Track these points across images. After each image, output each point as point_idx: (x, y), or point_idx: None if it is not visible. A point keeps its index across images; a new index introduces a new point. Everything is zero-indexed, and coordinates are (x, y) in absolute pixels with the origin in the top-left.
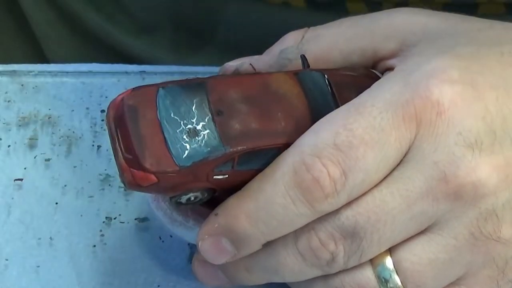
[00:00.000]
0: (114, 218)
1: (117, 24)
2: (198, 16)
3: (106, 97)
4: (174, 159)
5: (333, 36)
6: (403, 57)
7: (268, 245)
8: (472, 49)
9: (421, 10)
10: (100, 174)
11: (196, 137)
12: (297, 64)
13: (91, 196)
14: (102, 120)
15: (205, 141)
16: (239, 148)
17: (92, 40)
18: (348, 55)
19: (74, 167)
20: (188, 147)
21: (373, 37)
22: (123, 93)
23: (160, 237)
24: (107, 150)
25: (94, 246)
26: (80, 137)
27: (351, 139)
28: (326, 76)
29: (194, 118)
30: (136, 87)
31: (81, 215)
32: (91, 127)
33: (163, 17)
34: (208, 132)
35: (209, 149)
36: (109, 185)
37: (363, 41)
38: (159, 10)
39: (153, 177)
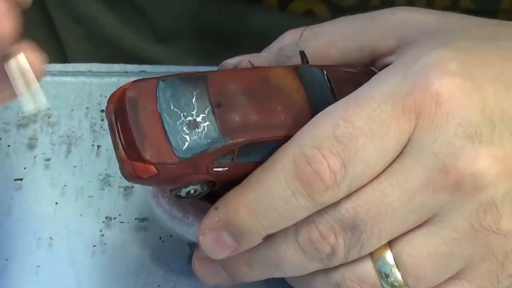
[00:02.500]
0: (114, 218)
1: (137, 31)
2: (223, 24)
3: (106, 97)
4: (174, 151)
5: (332, 33)
6: (401, 53)
7: (268, 239)
8: (470, 43)
9: (419, 9)
10: (100, 174)
11: (196, 129)
12: (296, 62)
13: (91, 196)
14: (102, 120)
15: (205, 133)
16: (239, 140)
17: (110, 46)
18: (347, 53)
19: (74, 167)
20: (188, 138)
21: (372, 34)
22: (123, 86)
23: (160, 237)
24: (107, 150)
25: (94, 246)
26: (80, 137)
27: (351, 131)
28: (325, 72)
29: (194, 110)
30: (137, 80)
31: (81, 215)
32: (91, 127)
33: (187, 25)
34: (208, 124)
35: (209, 141)
36: (109, 185)
37: (362, 39)
38: (183, 18)
39: (153, 169)
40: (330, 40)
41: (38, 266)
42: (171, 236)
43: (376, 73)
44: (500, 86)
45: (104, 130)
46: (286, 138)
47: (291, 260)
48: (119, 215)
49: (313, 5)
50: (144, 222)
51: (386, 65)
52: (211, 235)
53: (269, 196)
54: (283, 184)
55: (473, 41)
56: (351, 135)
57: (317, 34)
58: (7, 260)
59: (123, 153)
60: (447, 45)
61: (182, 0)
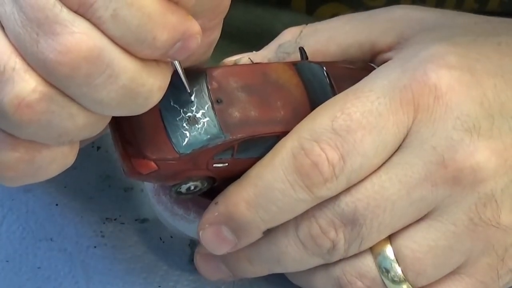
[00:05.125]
0: (114, 219)
1: None
2: (248, 26)
3: None
4: (174, 147)
5: (331, 30)
6: (400, 49)
7: (269, 234)
8: (469, 39)
9: (419, 6)
10: (100, 176)
11: (196, 125)
12: (295, 58)
13: (91, 197)
14: None
15: (205, 129)
16: (239, 135)
17: None
18: (346, 49)
19: (74, 168)
20: (188, 134)
21: (371, 31)
22: None
23: (160, 238)
24: (107, 151)
25: (95, 247)
26: None
27: (349, 123)
28: (324, 68)
29: (194, 106)
30: None
31: (81, 216)
32: None
33: None
34: (208, 120)
35: (209, 136)
36: (109, 186)
37: (361, 35)
38: None
39: (153, 165)
40: (329, 36)
41: (39, 268)
42: (171, 237)
43: (375, 69)
44: (500, 80)
45: None
46: (286, 134)
47: (292, 255)
48: (119, 216)
49: (340, 10)
50: (144, 223)
51: (385, 61)
52: (211, 230)
53: (268, 190)
54: (282, 177)
55: (472, 36)
56: (349, 128)
57: (317, 31)
58: (7, 261)
59: (123, 149)
60: (446, 40)
61: None
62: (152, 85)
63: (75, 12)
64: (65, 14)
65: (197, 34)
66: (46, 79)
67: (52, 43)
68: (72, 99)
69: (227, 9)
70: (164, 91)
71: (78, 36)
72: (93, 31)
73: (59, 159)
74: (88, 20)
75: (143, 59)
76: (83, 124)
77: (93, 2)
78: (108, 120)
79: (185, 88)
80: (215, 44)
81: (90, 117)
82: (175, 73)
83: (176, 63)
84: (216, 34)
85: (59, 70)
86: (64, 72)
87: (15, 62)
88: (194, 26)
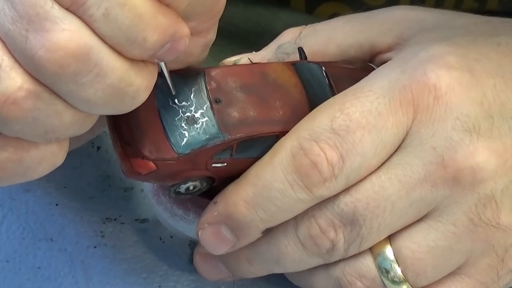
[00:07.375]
0: (114, 219)
1: None
2: (246, 25)
3: None
4: (173, 147)
5: (331, 30)
6: (400, 50)
7: (269, 234)
8: (469, 39)
9: (418, 7)
10: (100, 175)
11: (195, 125)
12: (295, 59)
13: (91, 197)
14: None
15: (203, 129)
16: (237, 135)
17: None
18: (346, 49)
19: (74, 168)
20: (186, 134)
21: (371, 31)
22: None
23: (160, 238)
24: (107, 151)
25: (95, 247)
26: None
27: (348, 123)
28: (323, 68)
29: (193, 106)
30: None
31: (81, 216)
32: None
33: None
34: (207, 120)
35: (207, 136)
36: (109, 186)
37: (361, 35)
38: None
39: (152, 165)
40: (329, 36)
41: (39, 267)
42: (171, 237)
43: (374, 69)
44: (499, 81)
45: (104, 131)
46: (285, 133)
47: (291, 255)
48: (119, 216)
49: (340, 9)
50: (144, 223)
51: (385, 62)
52: (210, 230)
53: (267, 189)
54: (281, 177)
55: (472, 37)
56: (348, 128)
57: (316, 32)
58: (7, 261)
59: (122, 149)
60: (446, 40)
61: None
62: (139, 85)
63: (67, 9)
64: (56, 11)
65: (186, 36)
66: (34, 76)
67: (41, 39)
68: (59, 96)
69: (222, 12)
70: (150, 91)
71: (67, 33)
72: (83, 29)
73: (48, 158)
74: (80, 18)
75: (131, 59)
76: (70, 122)
77: (85, 0)
78: (96, 118)
79: (169, 90)
80: (210, 45)
81: (77, 115)
82: (172, 74)
83: (162, 64)
84: (211, 35)
85: (47, 67)
86: (52, 69)
87: (2, 59)
88: (184, 28)
